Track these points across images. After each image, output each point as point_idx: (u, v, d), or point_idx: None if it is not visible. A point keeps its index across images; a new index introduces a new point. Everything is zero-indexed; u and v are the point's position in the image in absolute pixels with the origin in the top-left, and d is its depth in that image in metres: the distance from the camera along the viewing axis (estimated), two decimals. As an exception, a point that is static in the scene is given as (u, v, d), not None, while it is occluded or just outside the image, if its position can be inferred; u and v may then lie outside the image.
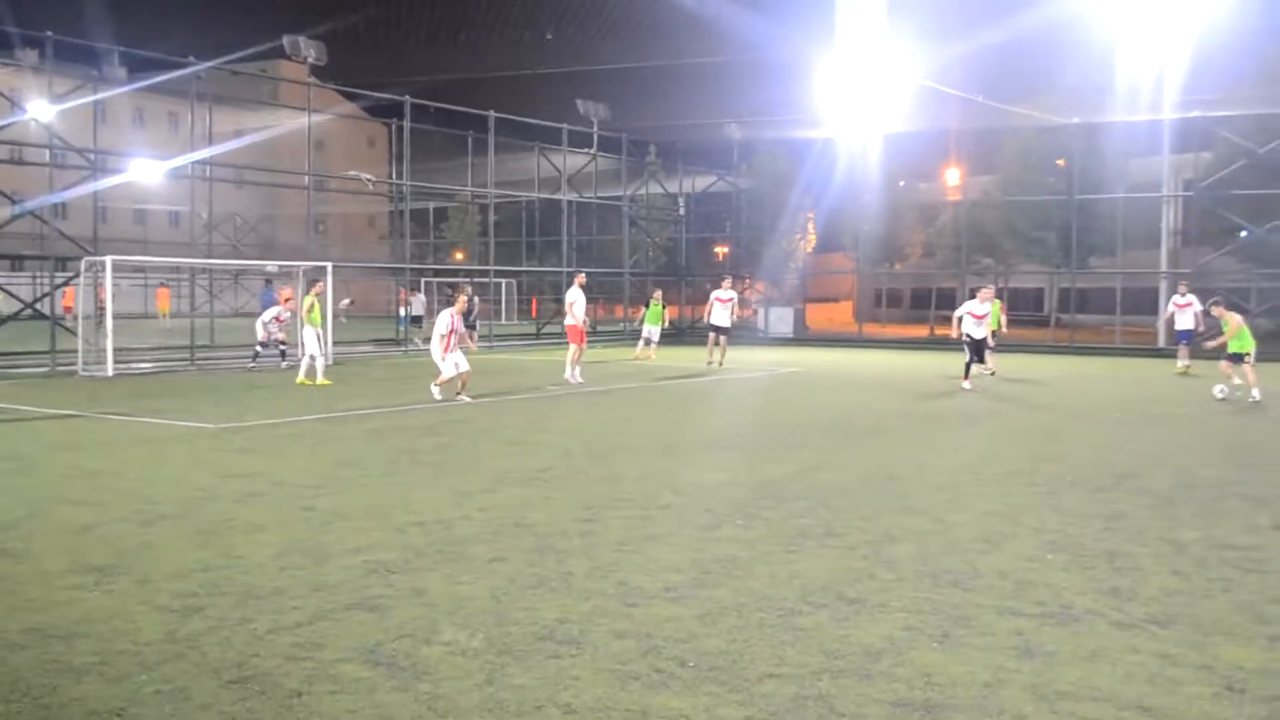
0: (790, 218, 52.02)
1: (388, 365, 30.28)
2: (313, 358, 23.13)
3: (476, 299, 41.16)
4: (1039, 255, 47.39)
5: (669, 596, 7.31)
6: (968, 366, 22.81)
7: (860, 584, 7.62)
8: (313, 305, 23.53)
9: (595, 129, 44.57)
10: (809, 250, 59.01)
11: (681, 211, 54.83)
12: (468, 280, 43.95)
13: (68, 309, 37.00)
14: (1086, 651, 6.24)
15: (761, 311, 49.10)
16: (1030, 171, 47.27)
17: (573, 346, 24.07)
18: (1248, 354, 20.47)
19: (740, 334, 46.81)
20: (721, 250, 62.56)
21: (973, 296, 23.73)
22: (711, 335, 29.47)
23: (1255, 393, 20.04)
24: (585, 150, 45.25)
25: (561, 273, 45.75)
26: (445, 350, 19.43)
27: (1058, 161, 45.77)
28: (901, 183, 54.68)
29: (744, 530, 9.33)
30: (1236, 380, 20.79)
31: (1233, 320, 20.77)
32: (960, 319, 23.07)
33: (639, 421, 17.32)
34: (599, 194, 47.88)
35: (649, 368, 29.10)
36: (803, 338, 46.17)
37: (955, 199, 50.94)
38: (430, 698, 5.49)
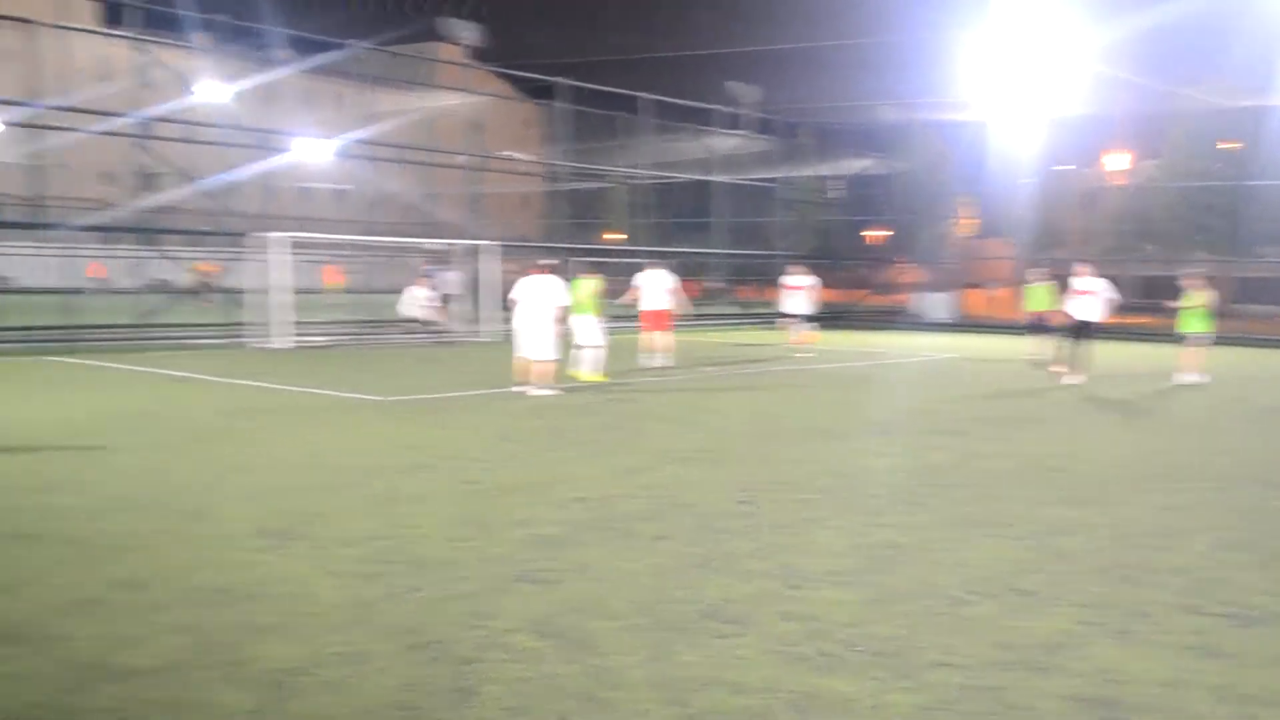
0: (946, 202, 51.12)
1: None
2: (586, 348, 20.32)
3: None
4: (1205, 242, 45.81)
5: (833, 580, 7.28)
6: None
7: (1030, 575, 7.48)
8: (591, 292, 20.52)
9: (749, 111, 44.41)
10: (966, 234, 57.92)
11: (834, 194, 54.30)
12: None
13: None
14: (1272, 655, 6.03)
15: (918, 297, 48.41)
16: (1197, 157, 45.67)
17: (655, 334, 23.05)
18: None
19: (897, 319, 46.33)
20: (875, 234, 61.79)
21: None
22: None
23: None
24: (738, 132, 45.09)
25: (712, 254, 45.71)
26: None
27: (1226, 146, 44.11)
28: (1062, 167, 53.29)
29: (907, 516, 9.23)
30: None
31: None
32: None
33: (796, 404, 17.26)
34: (751, 176, 47.69)
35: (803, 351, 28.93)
36: (960, 323, 45.35)
37: (1118, 184, 49.43)
38: (599, 671, 5.58)
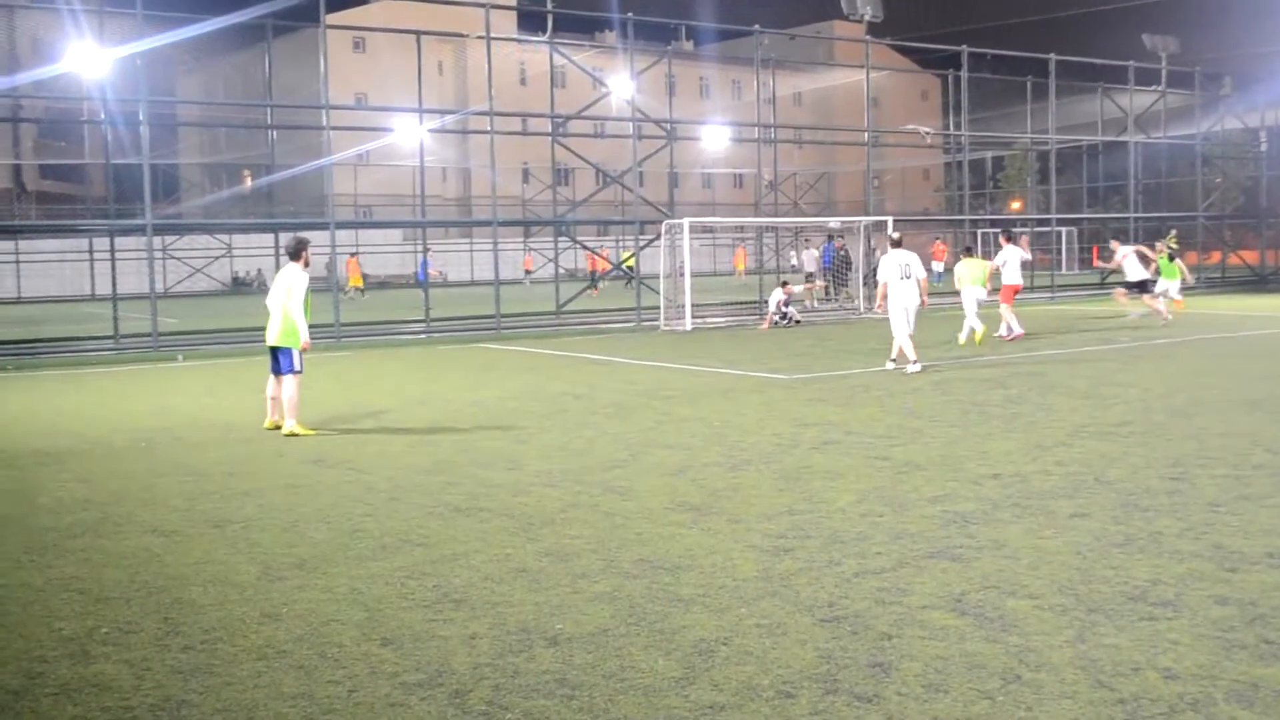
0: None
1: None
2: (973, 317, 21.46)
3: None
4: None
5: (1273, 563, 6.80)
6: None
7: None
8: (980, 269, 21.93)
9: (1163, 64, 41.69)
10: None
11: (1263, 147, 50.19)
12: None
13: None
14: None
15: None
16: None
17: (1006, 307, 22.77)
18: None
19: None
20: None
21: None
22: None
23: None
24: (1153, 88, 42.48)
25: (1128, 219, 43.34)
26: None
27: None
28: None
29: (1358, 495, 8.48)
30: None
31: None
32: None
33: (1219, 375, 16.13)
34: (1168, 133, 44.79)
35: (1229, 318, 26.98)
36: None
37: None
38: (1020, 650, 5.46)
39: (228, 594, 6.73)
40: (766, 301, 28.68)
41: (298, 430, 12.57)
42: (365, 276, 50.43)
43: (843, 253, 33.51)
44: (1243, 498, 8.47)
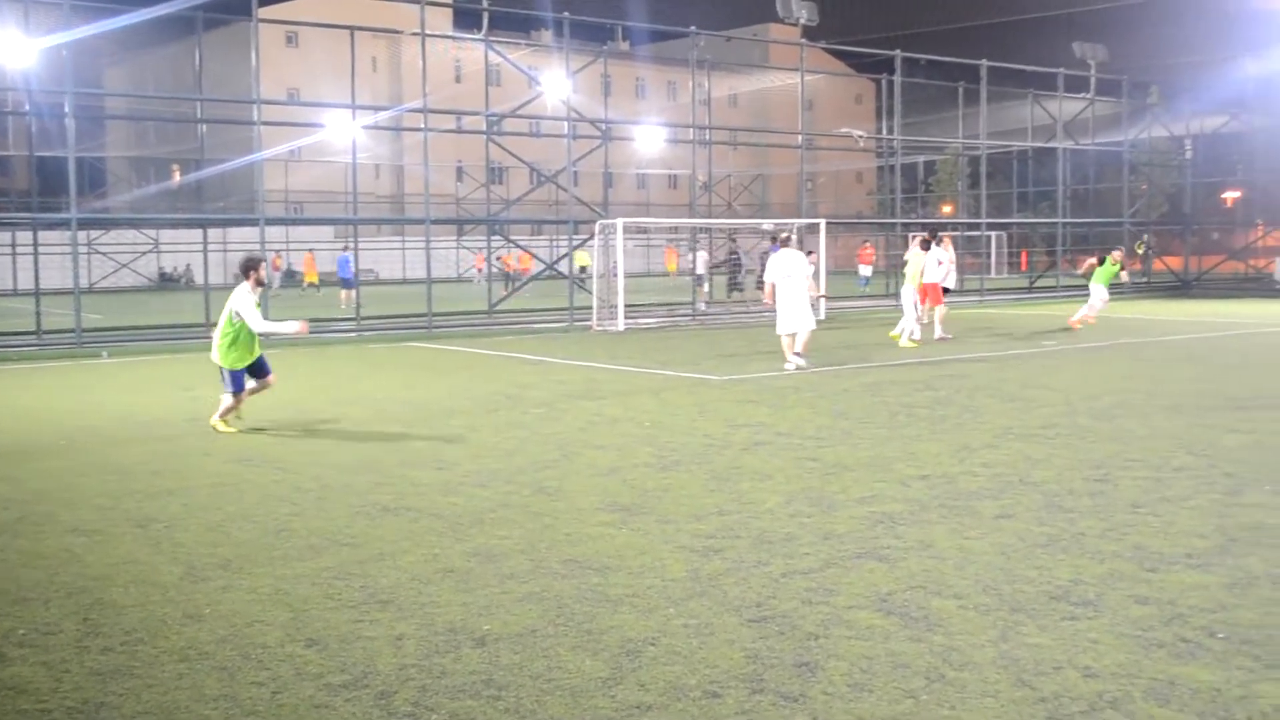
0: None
1: (853, 320, 30.33)
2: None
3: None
4: None
5: (1191, 563, 6.93)
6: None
7: None
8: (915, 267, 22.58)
9: (1093, 72, 42.37)
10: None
11: (1188, 155, 51.12)
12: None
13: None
14: None
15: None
16: None
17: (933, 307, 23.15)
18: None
19: (1258, 287, 43.19)
20: (1231, 196, 57.66)
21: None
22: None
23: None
24: (1082, 95, 43.14)
25: (1056, 224, 43.97)
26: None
27: None
28: None
29: (1272, 496, 8.66)
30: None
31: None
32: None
33: (1142, 378, 16.42)
34: (1096, 140, 45.51)
35: (1153, 323, 27.47)
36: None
37: None
38: (944, 650, 5.52)
39: (150, 595, 6.63)
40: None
41: (218, 426, 12.44)
42: (296, 274, 50.22)
43: (734, 256, 33.55)
44: (1163, 499, 8.63)
